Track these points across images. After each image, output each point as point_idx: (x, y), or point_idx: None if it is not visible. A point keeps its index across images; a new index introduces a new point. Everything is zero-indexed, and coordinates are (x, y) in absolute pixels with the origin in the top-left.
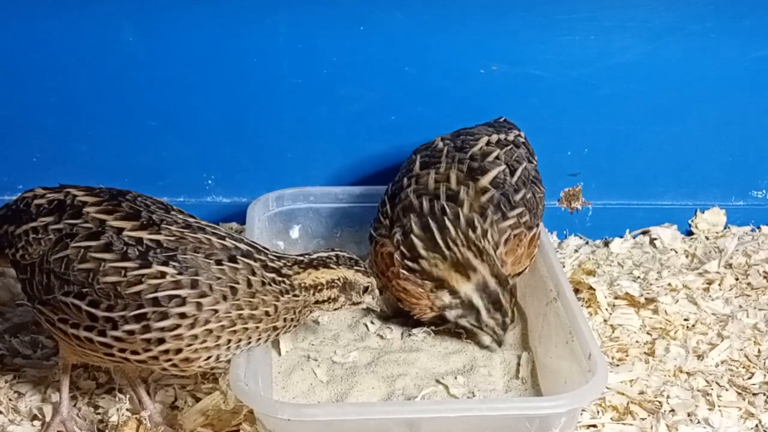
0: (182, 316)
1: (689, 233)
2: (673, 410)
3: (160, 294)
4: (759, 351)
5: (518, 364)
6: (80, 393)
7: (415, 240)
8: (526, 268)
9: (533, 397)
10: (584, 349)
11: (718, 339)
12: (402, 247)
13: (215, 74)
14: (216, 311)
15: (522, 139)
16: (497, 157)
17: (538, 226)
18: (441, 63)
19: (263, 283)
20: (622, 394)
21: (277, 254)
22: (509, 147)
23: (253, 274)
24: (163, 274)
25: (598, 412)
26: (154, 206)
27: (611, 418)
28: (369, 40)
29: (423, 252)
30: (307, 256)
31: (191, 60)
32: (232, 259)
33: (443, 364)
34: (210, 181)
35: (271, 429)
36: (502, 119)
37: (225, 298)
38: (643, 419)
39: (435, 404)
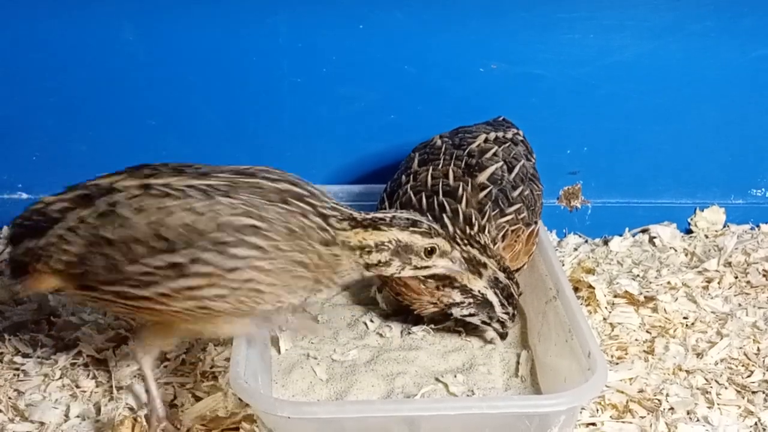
0: (258, 247)
1: (689, 231)
2: (672, 408)
3: (233, 220)
4: (758, 349)
5: (518, 363)
6: (80, 391)
7: None
8: (524, 265)
9: (533, 395)
10: (583, 348)
11: (717, 337)
12: None
13: (215, 74)
14: (282, 249)
15: (520, 138)
16: (495, 154)
17: (536, 223)
18: (441, 62)
19: (312, 228)
20: (622, 392)
21: (333, 204)
22: (507, 144)
23: (305, 217)
24: (233, 205)
25: (597, 410)
26: (196, 165)
27: (610, 417)
28: (369, 40)
29: None
30: (362, 214)
31: (191, 59)
32: (285, 201)
33: (443, 363)
34: None
35: (271, 427)
36: (500, 118)
37: (285, 237)
38: (642, 417)
39: (434, 402)
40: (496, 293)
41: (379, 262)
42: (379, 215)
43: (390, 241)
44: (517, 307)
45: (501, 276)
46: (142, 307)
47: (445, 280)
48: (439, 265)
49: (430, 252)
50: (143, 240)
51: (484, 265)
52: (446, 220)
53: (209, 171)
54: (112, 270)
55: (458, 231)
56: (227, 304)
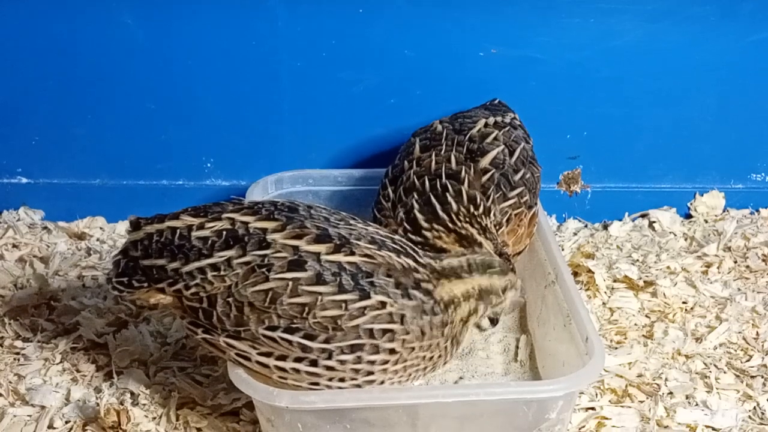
0: (392, 351)
1: (688, 216)
2: (671, 393)
3: (376, 326)
4: (757, 334)
5: (517, 347)
6: (80, 375)
7: (418, 215)
8: (526, 248)
9: (530, 381)
10: (581, 332)
11: (716, 322)
12: (405, 224)
13: (214, 57)
14: (413, 348)
15: (518, 122)
16: (496, 138)
17: (536, 204)
18: (440, 46)
19: (436, 325)
20: (621, 376)
21: (425, 263)
22: (507, 128)
23: (425, 313)
24: (383, 305)
25: (596, 394)
26: (332, 216)
27: (609, 401)
28: (368, 24)
29: (425, 224)
30: (437, 262)
31: (190, 43)
32: (410, 296)
33: None
34: (209, 164)
35: (269, 417)
36: (496, 101)
37: (417, 337)
38: (641, 402)
39: (432, 389)
40: None
41: (470, 312)
42: (455, 262)
43: (474, 288)
44: None
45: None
46: (249, 367)
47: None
48: (509, 298)
49: (504, 289)
50: (285, 316)
51: (480, 245)
52: (450, 198)
53: (349, 234)
54: (240, 326)
55: (462, 209)
56: (342, 384)
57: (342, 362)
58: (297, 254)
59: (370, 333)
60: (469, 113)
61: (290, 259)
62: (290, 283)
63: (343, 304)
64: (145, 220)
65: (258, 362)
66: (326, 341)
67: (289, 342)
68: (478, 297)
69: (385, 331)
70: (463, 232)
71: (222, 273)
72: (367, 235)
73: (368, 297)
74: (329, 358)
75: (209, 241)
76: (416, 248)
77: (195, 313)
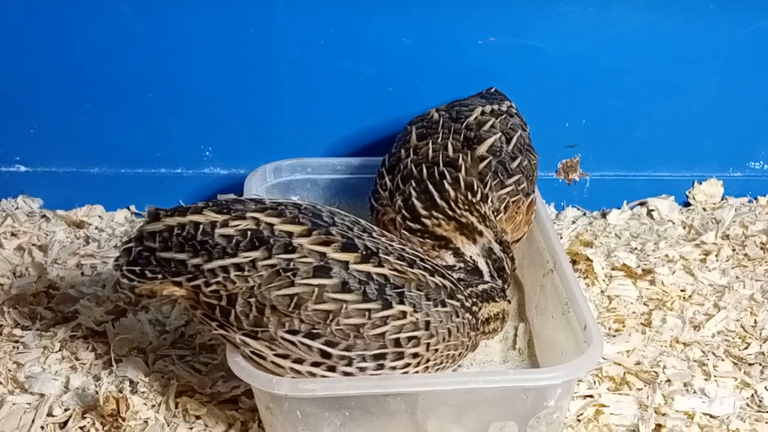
0: (415, 356)
1: (686, 204)
2: (669, 380)
3: (402, 335)
4: (755, 321)
5: (515, 335)
6: (79, 363)
7: (416, 203)
8: (524, 235)
9: (528, 369)
10: (580, 321)
11: (714, 310)
12: (403, 211)
13: (213, 46)
14: (437, 350)
15: (514, 110)
16: (493, 126)
17: (534, 191)
18: (439, 35)
19: (464, 325)
20: (619, 364)
21: (463, 283)
22: (503, 116)
23: (457, 315)
24: (404, 314)
25: (594, 382)
26: (355, 227)
27: (608, 389)
28: (367, 12)
29: (424, 212)
30: (478, 286)
31: (189, 31)
32: (443, 303)
33: None
34: (207, 153)
35: (269, 404)
36: (492, 89)
37: (444, 339)
38: (639, 389)
39: (431, 377)
40: (487, 263)
41: (493, 330)
42: (488, 287)
43: (503, 311)
44: (510, 283)
45: (496, 248)
46: (263, 365)
47: (441, 242)
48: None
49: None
50: (308, 322)
51: (480, 233)
52: (447, 186)
53: (377, 248)
54: (259, 326)
55: (460, 196)
56: None
57: (362, 369)
58: (323, 261)
59: (395, 342)
60: (465, 101)
61: (316, 265)
62: (316, 289)
63: (367, 313)
64: (164, 212)
65: (273, 362)
66: (347, 349)
67: (309, 347)
68: (502, 320)
69: (410, 338)
70: (463, 220)
71: (246, 273)
72: (395, 252)
73: (390, 307)
74: (349, 365)
75: (234, 240)
76: (447, 271)
77: (212, 310)
